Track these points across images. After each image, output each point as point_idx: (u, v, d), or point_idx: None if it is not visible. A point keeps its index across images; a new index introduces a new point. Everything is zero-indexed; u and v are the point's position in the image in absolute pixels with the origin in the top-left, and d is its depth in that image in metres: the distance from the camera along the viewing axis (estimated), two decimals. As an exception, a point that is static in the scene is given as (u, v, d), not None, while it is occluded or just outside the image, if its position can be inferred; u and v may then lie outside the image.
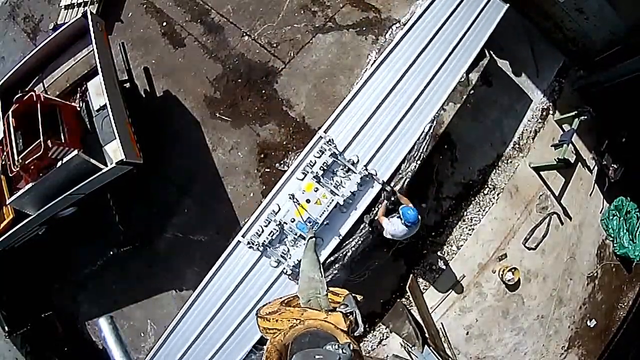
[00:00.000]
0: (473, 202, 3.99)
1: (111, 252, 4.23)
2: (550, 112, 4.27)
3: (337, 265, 3.99)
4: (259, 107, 4.10)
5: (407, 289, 4.20)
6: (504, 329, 4.46)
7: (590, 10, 4.32)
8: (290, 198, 3.45)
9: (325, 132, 3.56)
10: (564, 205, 4.30)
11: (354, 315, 1.73)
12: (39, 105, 3.60)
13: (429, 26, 3.72)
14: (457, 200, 4.00)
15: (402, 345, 4.28)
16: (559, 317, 4.67)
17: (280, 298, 2.00)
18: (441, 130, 3.88)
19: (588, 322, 4.99)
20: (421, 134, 3.81)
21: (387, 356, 4.39)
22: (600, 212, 4.61)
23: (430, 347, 4.15)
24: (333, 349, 1.31)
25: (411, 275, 4.13)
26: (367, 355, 4.28)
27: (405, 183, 3.89)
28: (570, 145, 4.28)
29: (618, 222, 4.75)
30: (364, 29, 4.17)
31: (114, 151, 3.57)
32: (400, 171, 3.97)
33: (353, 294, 1.91)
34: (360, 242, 3.86)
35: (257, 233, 3.47)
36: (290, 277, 3.52)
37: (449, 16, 3.76)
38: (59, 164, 3.51)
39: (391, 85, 3.60)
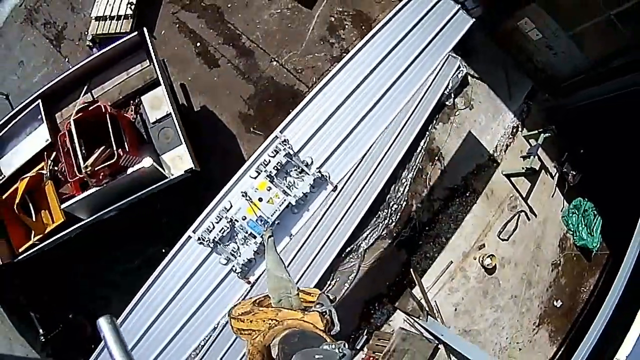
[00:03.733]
0: (458, 202, 6.08)
1: (163, 250, 5.03)
2: (519, 129, 6.51)
3: (352, 255, 6.05)
4: (287, 123, 6.02)
5: (411, 272, 6.29)
6: (485, 307, 6.64)
7: (559, 48, 6.53)
8: (242, 196, 4.02)
9: (281, 132, 4.19)
10: (530, 205, 6.52)
11: (330, 314, 2.01)
12: (108, 116, 4.97)
13: (392, 34, 4.51)
14: (445, 201, 6.07)
15: (405, 320, 6.37)
16: (529, 297, 6.93)
17: (251, 298, 2.30)
18: (433, 144, 6.02)
19: (555, 303, 7.31)
20: (417, 148, 5.92)
21: (394, 330, 6.48)
22: (561, 211, 6.94)
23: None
24: (330, 349, 1.50)
25: (412, 261, 6.24)
26: (376, 328, 6.33)
27: (406, 189, 5.99)
28: (536, 156, 6.54)
29: (577, 219, 7.08)
30: (373, 60, 6.21)
31: (172, 160, 5.23)
32: (402, 178, 6.08)
33: (326, 293, 2.24)
34: (373, 234, 5.89)
35: (208, 229, 4.00)
36: (239, 275, 4.08)
37: (413, 26, 4.58)
38: (130, 171, 5.20)
39: (350, 90, 4.35)
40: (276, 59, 6.13)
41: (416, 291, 6.11)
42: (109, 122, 5.06)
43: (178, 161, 5.38)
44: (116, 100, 5.73)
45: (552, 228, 6.69)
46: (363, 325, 6.13)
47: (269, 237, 3.09)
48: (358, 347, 6.21)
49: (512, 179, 6.37)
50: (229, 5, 6.47)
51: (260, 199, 4.01)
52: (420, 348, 6.20)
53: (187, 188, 5.60)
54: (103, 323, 1.43)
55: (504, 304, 6.60)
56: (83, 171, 5.01)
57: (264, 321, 1.99)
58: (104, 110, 5.14)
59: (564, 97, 6.69)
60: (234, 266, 4.04)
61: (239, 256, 4.04)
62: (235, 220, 4.00)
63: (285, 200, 4.04)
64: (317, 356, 1.51)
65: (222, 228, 3.99)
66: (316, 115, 4.29)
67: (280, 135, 4.18)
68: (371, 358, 6.10)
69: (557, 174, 6.62)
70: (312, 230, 5.72)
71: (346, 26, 6.19)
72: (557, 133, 6.53)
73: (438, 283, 6.17)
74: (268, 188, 4.03)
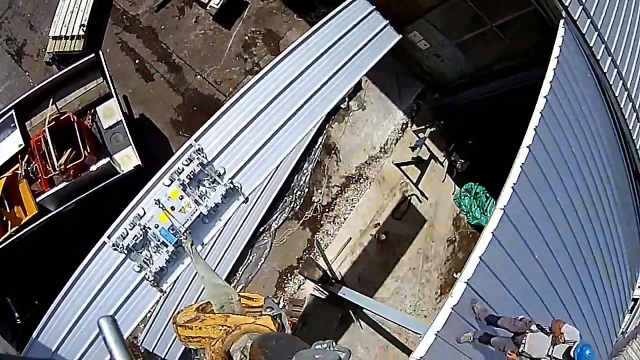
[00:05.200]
0: (353, 188, 9.10)
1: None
2: (409, 125, 9.51)
3: (265, 233, 9.21)
4: (209, 127, 9.16)
5: (316, 246, 9.37)
6: (385, 277, 9.70)
7: (446, 55, 9.45)
8: (155, 203, 4.74)
9: (195, 140, 4.98)
10: (421, 189, 9.50)
11: (280, 317, 2.42)
12: (76, 124, 7.91)
13: (313, 49, 5.64)
14: (342, 187, 9.07)
15: (314, 288, 9.49)
16: (427, 270, 9.95)
17: (192, 305, 2.71)
18: (329, 141, 9.07)
19: (455, 275, 10.33)
20: (315, 144, 9.02)
21: (305, 297, 9.61)
22: (453, 194, 9.94)
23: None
24: (323, 348, 1.79)
25: (316, 238, 9.32)
26: (290, 296, 9.47)
27: (307, 178, 9.10)
28: (424, 147, 9.53)
29: (469, 200, 10.06)
30: (280, 71, 9.28)
31: (122, 159, 8.34)
32: (303, 169, 9.18)
33: (271, 298, 2.79)
34: (281, 216, 9.04)
35: (122, 235, 4.70)
36: (151, 283, 4.77)
37: (337, 40, 5.82)
38: (92, 168, 8.18)
39: (266, 102, 5.34)
40: (200, 73, 9.24)
41: (321, 263, 9.23)
42: (77, 129, 7.89)
43: (127, 160, 8.44)
44: (76, 110, 8.60)
45: (444, 209, 9.71)
46: (279, 293, 9.28)
47: (191, 244, 3.58)
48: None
49: (403, 167, 9.39)
50: (162, 27, 9.59)
51: (172, 208, 4.81)
52: (329, 311, 9.34)
53: (134, 182, 8.76)
54: (103, 323, 1.64)
55: (403, 275, 9.65)
56: (57, 169, 7.73)
57: (213, 327, 2.30)
58: (72, 120, 7.96)
59: (452, 96, 9.66)
60: (146, 274, 4.79)
61: (152, 264, 4.80)
62: (148, 227, 4.77)
63: (197, 209, 4.87)
64: (317, 356, 1.77)
65: (136, 235, 4.74)
66: (231, 125, 5.32)
67: (195, 143, 5.11)
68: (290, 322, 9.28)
69: (447, 162, 9.64)
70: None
71: (258, 43, 9.27)
72: (445, 127, 9.53)
73: (340, 256, 9.27)
74: (180, 197, 4.84)
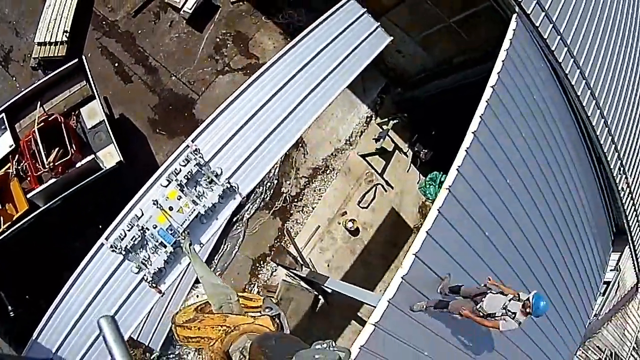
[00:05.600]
0: (320, 179, 10.26)
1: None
2: (373, 118, 10.65)
3: (238, 223, 10.45)
4: (184, 125, 10.38)
5: (286, 235, 10.58)
6: (355, 263, 10.85)
7: (407, 51, 10.59)
8: (154, 204, 5.02)
9: (192, 141, 5.34)
10: (386, 179, 10.65)
11: (279, 317, 2.60)
12: (63, 125, 9.25)
13: (306, 51, 6.15)
14: (309, 178, 10.21)
15: (286, 274, 10.70)
16: (397, 256, 11.11)
17: (191, 305, 2.89)
18: (296, 135, 10.27)
19: None
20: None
21: (278, 283, 10.82)
22: (417, 183, 11.06)
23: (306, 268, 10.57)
24: (322, 348, 1.89)
25: (286, 226, 10.52)
26: (264, 283, 10.69)
27: (276, 170, 10.30)
28: (388, 138, 10.66)
29: (435, 189, 11.15)
30: (249, 71, 10.41)
31: (104, 156, 9.59)
32: (272, 161, 10.36)
33: (270, 298, 3.31)
34: (253, 206, 10.27)
35: (120, 237, 4.96)
36: (150, 284, 5.02)
37: (328, 43, 6.39)
38: (78, 165, 9.47)
39: (261, 103, 5.81)
40: (175, 74, 10.48)
41: (292, 250, 10.45)
42: (64, 129, 9.16)
43: (109, 157, 9.67)
44: (62, 112, 9.85)
45: (410, 198, 10.84)
46: (253, 280, 10.51)
47: (189, 244, 3.78)
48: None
49: (368, 158, 10.54)
50: (139, 32, 10.86)
51: (170, 208, 5.15)
52: (302, 297, 10.55)
53: (114, 178, 10.10)
54: (103, 323, 1.74)
55: (372, 261, 10.81)
56: (46, 167, 8.99)
57: (212, 328, 2.45)
58: (59, 121, 9.24)
59: (414, 89, 10.80)
60: (145, 275, 5.08)
61: (150, 265, 5.10)
62: (147, 228, 5.10)
63: (195, 209, 5.22)
64: (317, 356, 1.90)
65: (134, 236, 5.05)
66: (228, 126, 5.70)
67: (192, 144, 5.44)
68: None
69: (410, 153, 10.78)
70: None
71: (228, 45, 10.49)
72: (408, 119, 10.66)
73: (310, 244, 10.46)
74: (178, 197, 5.20)
